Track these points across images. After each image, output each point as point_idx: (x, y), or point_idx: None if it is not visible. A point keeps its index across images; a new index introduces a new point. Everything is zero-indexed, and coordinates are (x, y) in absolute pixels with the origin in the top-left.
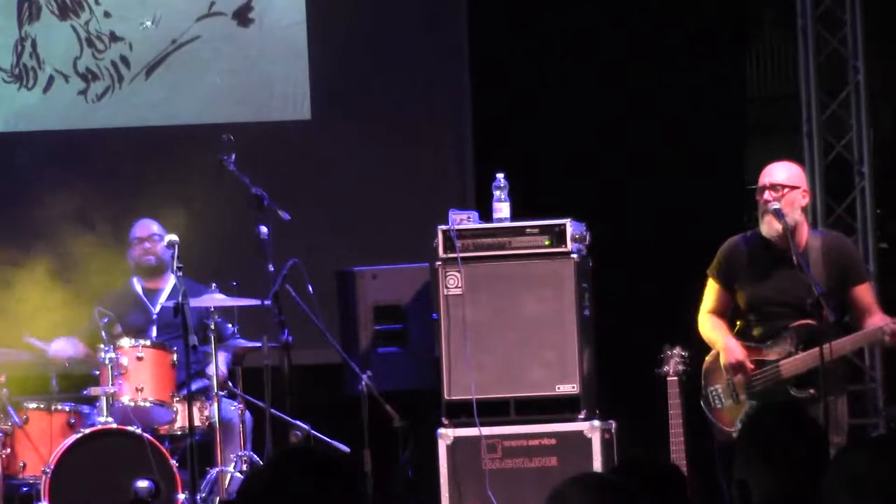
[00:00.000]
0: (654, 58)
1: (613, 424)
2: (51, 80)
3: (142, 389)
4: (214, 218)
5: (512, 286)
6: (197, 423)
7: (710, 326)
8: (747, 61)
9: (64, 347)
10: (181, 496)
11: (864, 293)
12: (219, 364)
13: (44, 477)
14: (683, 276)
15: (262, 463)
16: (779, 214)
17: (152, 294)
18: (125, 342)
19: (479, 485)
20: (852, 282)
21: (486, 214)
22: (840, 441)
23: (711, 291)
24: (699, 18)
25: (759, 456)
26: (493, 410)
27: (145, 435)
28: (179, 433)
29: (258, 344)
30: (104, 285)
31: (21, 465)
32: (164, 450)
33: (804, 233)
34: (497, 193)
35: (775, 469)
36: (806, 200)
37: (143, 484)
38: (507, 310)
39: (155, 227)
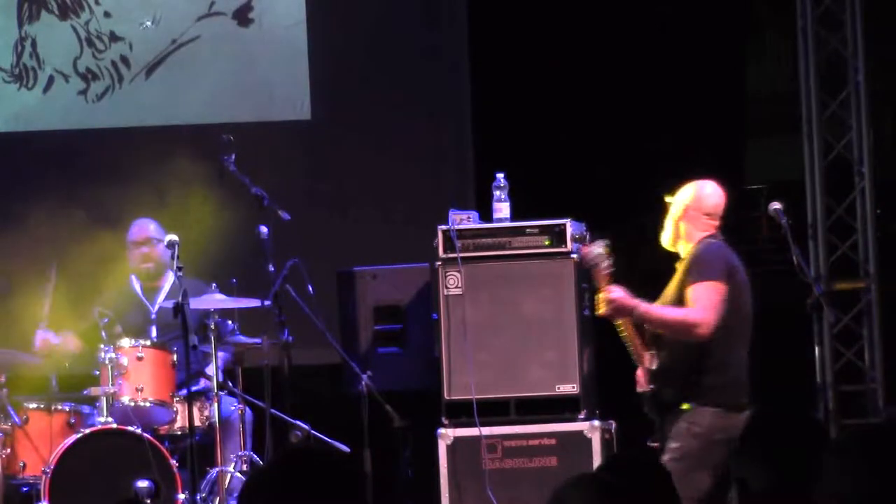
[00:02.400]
0: (655, 57)
1: (613, 424)
2: (51, 80)
3: (142, 389)
4: (214, 218)
5: (512, 286)
6: (197, 423)
7: None
8: (747, 61)
9: (50, 338)
10: (181, 496)
11: (689, 293)
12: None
13: (44, 477)
14: None
15: (262, 463)
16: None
17: (151, 293)
18: (125, 342)
19: (479, 485)
20: (686, 283)
21: (486, 214)
22: (673, 450)
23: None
24: (699, 18)
25: (757, 454)
26: (493, 410)
27: (145, 435)
28: (179, 433)
29: (258, 341)
30: (104, 284)
31: (21, 465)
32: (164, 450)
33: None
34: (497, 193)
35: (773, 466)
36: (678, 214)
37: (143, 484)
38: (507, 310)
39: (152, 227)
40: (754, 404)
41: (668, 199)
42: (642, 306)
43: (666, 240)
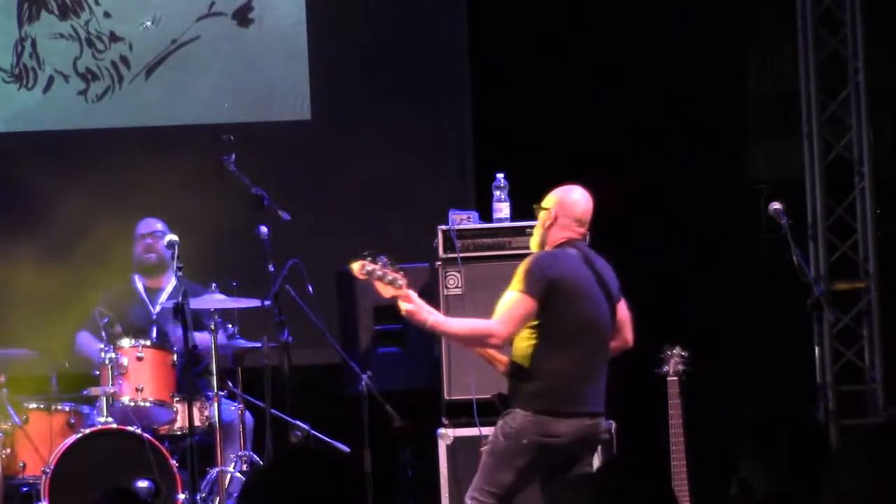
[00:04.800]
0: (655, 57)
1: (613, 424)
2: (51, 80)
3: (142, 389)
4: (214, 218)
5: None
6: (197, 423)
7: None
8: (748, 61)
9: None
10: (181, 496)
11: (502, 298)
12: (201, 338)
13: (44, 477)
14: (684, 276)
15: (262, 463)
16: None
17: (153, 293)
18: (125, 342)
19: None
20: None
21: (486, 214)
22: (487, 443)
23: None
24: (699, 18)
25: (759, 457)
26: (494, 410)
27: (145, 435)
28: (179, 433)
29: (258, 344)
30: (104, 285)
31: (21, 465)
32: (164, 450)
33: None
34: (497, 193)
35: (776, 469)
36: (547, 220)
37: (143, 484)
38: None
39: (159, 225)
40: (754, 402)
41: (537, 206)
42: (431, 319)
43: (533, 245)
